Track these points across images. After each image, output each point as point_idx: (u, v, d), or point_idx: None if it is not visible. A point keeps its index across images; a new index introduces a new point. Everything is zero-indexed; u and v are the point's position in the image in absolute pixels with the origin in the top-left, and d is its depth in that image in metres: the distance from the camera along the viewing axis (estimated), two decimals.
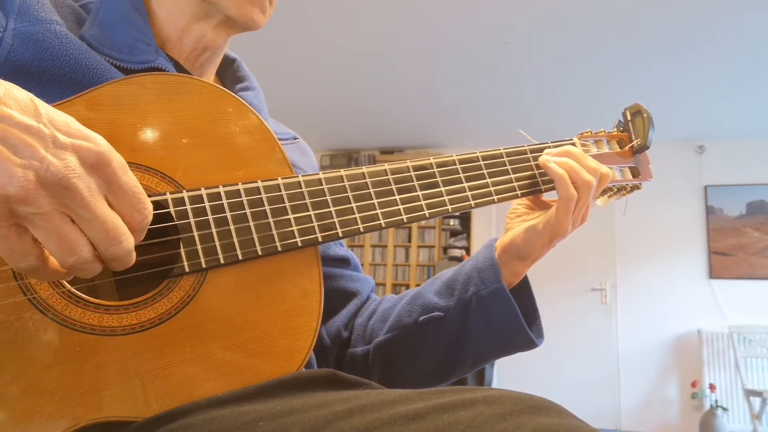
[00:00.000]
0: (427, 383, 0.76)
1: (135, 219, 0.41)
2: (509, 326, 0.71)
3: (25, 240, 0.38)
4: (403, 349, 0.75)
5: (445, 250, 6.08)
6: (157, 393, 0.48)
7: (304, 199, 0.58)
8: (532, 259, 0.72)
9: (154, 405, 0.48)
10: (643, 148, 0.79)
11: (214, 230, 0.53)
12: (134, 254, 0.42)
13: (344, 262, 0.82)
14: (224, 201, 0.54)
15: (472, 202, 0.67)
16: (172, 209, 0.51)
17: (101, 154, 0.39)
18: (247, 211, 0.55)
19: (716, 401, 4.88)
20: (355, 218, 0.60)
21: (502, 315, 0.70)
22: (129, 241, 0.41)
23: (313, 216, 0.58)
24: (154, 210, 0.44)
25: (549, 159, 0.70)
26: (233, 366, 0.51)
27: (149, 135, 0.53)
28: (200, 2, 0.67)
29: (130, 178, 0.41)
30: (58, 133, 0.38)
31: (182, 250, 0.51)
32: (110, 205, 0.40)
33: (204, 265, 0.52)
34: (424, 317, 0.73)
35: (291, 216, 0.57)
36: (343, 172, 0.61)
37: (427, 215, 0.64)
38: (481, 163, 0.70)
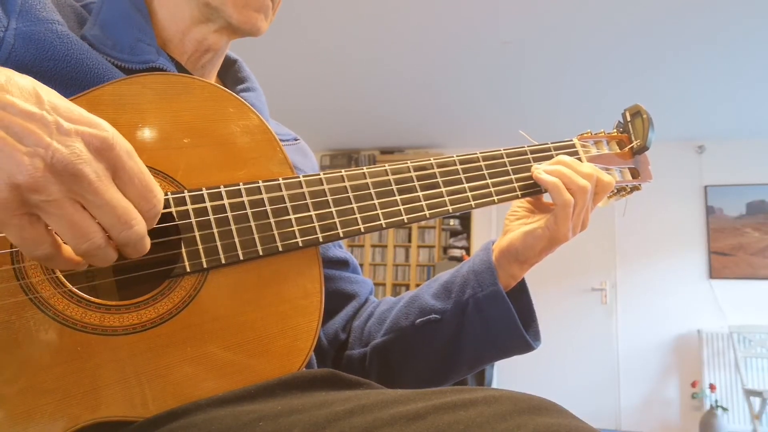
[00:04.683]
0: (425, 386, 0.76)
1: (142, 207, 0.41)
2: (506, 329, 0.71)
3: (38, 228, 0.38)
4: (400, 351, 0.75)
5: (445, 250, 6.08)
6: (157, 393, 0.48)
7: (305, 199, 0.58)
8: (530, 263, 0.72)
9: (155, 405, 0.48)
10: (643, 149, 0.79)
11: (215, 230, 0.53)
12: (148, 240, 0.42)
13: (343, 263, 0.82)
14: (225, 201, 0.54)
15: (472, 203, 0.67)
16: (173, 209, 0.51)
17: (106, 139, 0.39)
18: (248, 211, 0.55)
19: (716, 401, 4.88)
20: (356, 218, 0.60)
21: (498, 318, 0.70)
22: (141, 225, 0.41)
23: (314, 216, 0.58)
24: None
25: (539, 169, 0.70)
26: (234, 366, 0.51)
27: (150, 135, 0.53)
28: (202, 6, 0.66)
29: (135, 164, 0.41)
30: (61, 119, 0.38)
31: (183, 250, 0.51)
32: (120, 190, 0.40)
33: (205, 265, 0.52)
34: (420, 320, 0.73)
35: (292, 216, 0.57)
36: (343, 172, 0.61)
37: (428, 215, 0.64)
38: (482, 163, 0.69)
